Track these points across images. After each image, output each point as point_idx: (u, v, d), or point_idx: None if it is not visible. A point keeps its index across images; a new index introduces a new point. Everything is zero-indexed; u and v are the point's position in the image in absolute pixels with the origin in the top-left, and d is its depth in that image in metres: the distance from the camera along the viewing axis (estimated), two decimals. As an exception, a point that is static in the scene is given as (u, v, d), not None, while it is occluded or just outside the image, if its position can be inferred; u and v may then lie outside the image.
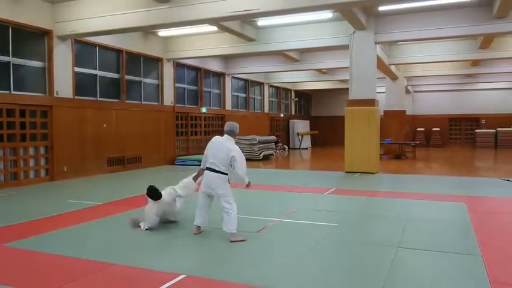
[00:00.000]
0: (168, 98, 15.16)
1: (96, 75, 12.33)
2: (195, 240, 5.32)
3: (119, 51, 13.10)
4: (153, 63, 14.70)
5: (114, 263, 4.34)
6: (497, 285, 3.73)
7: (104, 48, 12.54)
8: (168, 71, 15.18)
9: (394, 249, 4.80)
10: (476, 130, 25.69)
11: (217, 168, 5.26)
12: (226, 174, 5.31)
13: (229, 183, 5.37)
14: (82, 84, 11.79)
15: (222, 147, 5.26)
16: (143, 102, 14.14)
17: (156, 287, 3.72)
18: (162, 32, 13.71)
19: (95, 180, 11.03)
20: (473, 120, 26.27)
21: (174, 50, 14.83)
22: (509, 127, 24.78)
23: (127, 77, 13.43)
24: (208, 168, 5.33)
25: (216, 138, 5.48)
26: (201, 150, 17.10)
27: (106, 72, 12.69)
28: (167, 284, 3.78)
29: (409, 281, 3.92)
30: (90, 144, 11.81)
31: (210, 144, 5.45)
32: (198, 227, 5.51)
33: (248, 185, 5.31)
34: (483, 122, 25.86)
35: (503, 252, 4.77)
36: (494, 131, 25.01)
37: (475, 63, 18.11)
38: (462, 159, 17.74)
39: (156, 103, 14.75)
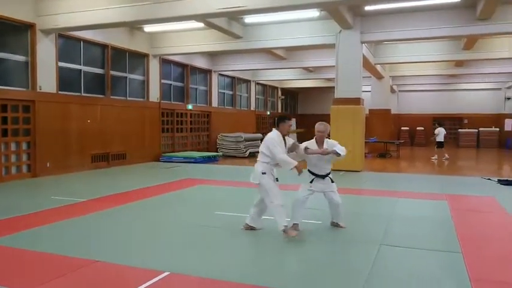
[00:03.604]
0: (154, 94, 15.04)
1: (81, 70, 12.17)
2: (180, 238, 5.30)
3: (104, 46, 12.94)
4: (139, 59, 14.56)
5: (98, 260, 4.30)
6: (477, 282, 3.80)
7: (89, 43, 12.38)
8: (154, 67, 15.06)
9: (377, 246, 4.86)
10: (459, 130, 26.11)
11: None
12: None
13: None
14: (66, 79, 11.62)
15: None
16: (128, 98, 14.01)
17: (139, 284, 3.69)
18: (148, 28, 13.59)
19: (79, 176, 10.90)
20: (457, 120, 26.70)
21: (160, 46, 14.71)
22: (491, 127, 25.27)
23: (112, 72, 13.28)
24: None
25: None
26: (186, 147, 17.06)
27: (91, 67, 12.53)
28: (151, 281, 3.76)
29: (391, 277, 3.97)
30: (74, 140, 11.66)
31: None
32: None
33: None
34: (466, 121, 26.32)
35: (483, 249, 4.86)
36: (477, 130, 25.47)
37: (459, 63, 18.38)
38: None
39: (141, 99, 14.63)
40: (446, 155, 16.83)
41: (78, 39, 12.00)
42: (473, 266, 4.20)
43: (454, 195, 8.43)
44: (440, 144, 17.02)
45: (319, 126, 5.52)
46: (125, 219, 6.29)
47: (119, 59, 13.62)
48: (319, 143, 5.48)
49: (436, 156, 16.95)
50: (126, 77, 13.97)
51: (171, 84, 16.39)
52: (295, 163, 5.05)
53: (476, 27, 11.09)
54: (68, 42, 11.81)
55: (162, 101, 15.47)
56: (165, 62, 15.86)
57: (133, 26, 13.25)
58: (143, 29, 13.71)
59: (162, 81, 15.62)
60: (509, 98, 24.56)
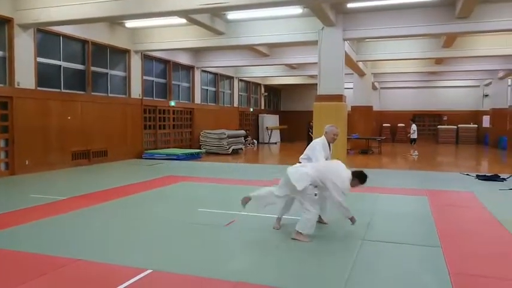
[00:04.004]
0: (136, 90, 14.88)
1: (60, 66, 11.95)
2: (163, 235, 5.27)
3: (84, 42, 12.72)
4: (120, 54, 14.37)
5: (80, 259, 4.24)
6: (456, 276, 3.88)
7: (68, 38, 12.16)
8: (136, 63, 14.89)
9: (360, 241, 4.92)
10: (439, 126, 26.59)
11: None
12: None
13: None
14: (45, 75, 11.40)
15: None
16: (110, 95, 13.83)
17: (122, 282, 3.66)
18: (130, 23, 13.41)
19: (59, 174, 10.73)
20: (436, 117, 27.16)
21: (142, 42, 14.55)
22: (470, 124, 25.80)
23: (93, 68, 13.08)
24: None
25: None
26: (169, 144, 16.94)
27: (70, 63, 12.31)
28: (134, 279, 3.73)
29: (373, 272, 4.03)
30: (53, 137, 11.46)
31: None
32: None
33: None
34: (445, 118, 26.80)
35: (462, 243, 4.97)
36: (456, 127, 25.98)
37: (439, 61, 18.67)
38: (425, 154, 18.30)
39: (123, 96, 14.45)
40: (416, 152, 17.30)
41: (58, 34, 11.77)
42: (452, 260, 4.29)
43: (434, 190, 8.58)
44: (413, 141, 17.54)
45: (336, 129, 5.73)
46: (106, 217, 6.22)
47: (99, 54, 13.42)
48: (331, 144, 5.71)
49: (416, 152, 17.32)
50: (107, 73, 13.78)
51: (153, 81, 16.23)
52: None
53: (456, 25, 11.28)
54: (47, 38, 11.57)
55: (144, 98, 15.32)
56: (147, 58, 15.69)
57: (115, 22, 13.07)
58: (124, 24, 13.53)
59: (144, 77, 15.46)
60: (487, 95, 25.08)
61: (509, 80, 20.05)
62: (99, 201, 7.16)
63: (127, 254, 4.47)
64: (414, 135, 17.85)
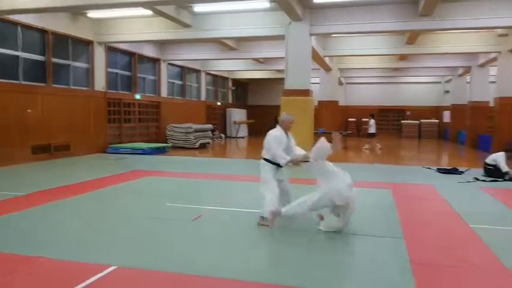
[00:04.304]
0: (100, 83, 14.47)
1: (18, 56, 11.46)
2: (128, 231, 5.17)
3: (43, 32, 12.24)
4: (83, 46, 13.93)
5: (42, 256, 4.11)
6: (417, 265, 4.01)
7: (27, 27, 11.65)
8: (100, 54, 14.46)
9: (326, 234, 4.99)
10: (402, 121, 27.35)
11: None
12: (266, 160, 5.40)
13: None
14: (2, 66, 10.89)
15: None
16: (72, 87, 13.38)
17: (85, 279, 3.57)
18: (93, 14, 13.01)
19: (18, 169, 10.31)
20: (400, 112, 27.91)
21: (106, 33, 14.15)
22: (431, 119, 26.67)
23: (54, 59, 12.60)
24: None
25: None
26: (134, 138, 16.62)
27: (30, 53, 11.82)
28: (97, 276, 3.65)
29: (338, 263, 4.11)
30: (12, 131, 10.99)
31: None
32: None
33: (293, 163, 5.35)
34: (408, 113, 27.59)
35: (423, 234, 5.13)
36: (418, 122, 26.81)
37: (403, 57, 19.14)
38: (389, 148, 18.79)
39: (86, 88, 14.02)
40: (367, 146, 17.89)
41: (15, 24, 11.27)
42: (414, 250, 4.42)
43: (397, 183, 8.83)
44: (372, 135, 17.97)
45: (292, 117, 5.69)
46: (69, 213, 6.04)
47: (60, 45, 12.94)
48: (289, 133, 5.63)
49: (367, 146, 17.83)
50: (69, 65, 13.33)
51: (117, 73, 15.83)
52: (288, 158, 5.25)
53: (419, 22, 11.58)
54: (4, 27, 11.05)
55: (108, 90, 14.92)
56: (111, 49, 15.27)
57: (76, 12, 12.63)
58: (86, 14, 13.10)
59: (109, 69, 15.05)
60: (447, 92, 25.99)
61: (468, 77, 20.80)
62: (60, 197, 6.93)
63: (90, 251, 4.36)
64: (372, 130, 18.25)
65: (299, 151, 5.55)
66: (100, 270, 3.75)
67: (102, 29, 14.12)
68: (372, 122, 18.39)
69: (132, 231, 5.17)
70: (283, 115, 5.73)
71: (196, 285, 3.57)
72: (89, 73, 14.17)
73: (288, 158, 5.27)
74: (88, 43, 14.03)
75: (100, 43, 14.35)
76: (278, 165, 5.37)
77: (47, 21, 12.10)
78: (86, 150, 13.66)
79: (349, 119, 27.58)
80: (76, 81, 13.59)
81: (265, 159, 5.40)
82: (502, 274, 3.87)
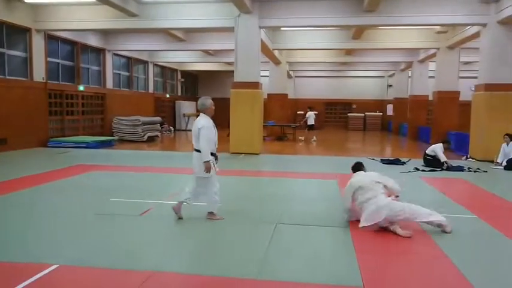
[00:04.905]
0: (39, 73, 13.69)
1: None
2: (70, 228, 4.95)
3: (-25, 17, 11.40)
4: (20, 33, 13.09)
5: (-29, 258, 3.84)
6: (361, 253, 4.16)
7: (-44, 12, 10.80)
8: (38, 43, 13.66)
9: (274, 225, 5.04)
10: (349, 114, 28.23)
11: (195, 147, 5.18)
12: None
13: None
14: None
15: (195, 124, 5.16)
16: (8, 77, 12.56)
17: (23, 280, 3.38)
18: (30, -1, 12.27)
19: None
20: (346, 105, 28.76)
21: (46, 20, 13.39)
22: (376, 112, 27.72)
23: (-13, 47, 11.79)
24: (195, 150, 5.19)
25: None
26: (77, 131, 15.95)
27: (-41, 40, 10.97)
28: (36, 276, 3.47)
29: (287, 252, 4.17)
30: None
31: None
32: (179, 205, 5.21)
33: (206, 166, 5.01)
34: (354, 106, 28.50)
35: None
36: (364, 115, 27.78)
37: (349, 52, 19.70)
38: (336, 140, 19.33)
39: (24, 78, 13.22)
40: (315, 137, 18.16)
41: None
42: (358, 239, 4.58)
43: (344, 174, 9.05)
44: (310, 127, 18.37)
45: (211, 100, 5.27)
46: (6, 211, 5.69)
47: (-5, 32, 12.12)
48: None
49: (302, 137, 18.21)
50: (4, 53, 12.49)
51: (59, 63, 15.05)
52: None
53: (363, 18, 11.95)
54: None
55: (48, 81, 14.16)
56: (51, 38, 14.48)
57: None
58: None
59: (49, 59, 14.27)
60: (390, 86, 27.11)
61: (410, 72, 21.79)
62: (-4, 193, 6.52)
63: (30, 250, 4.14)
64: (311, 122, 18.57)
65: (395, 186, 5.28)
66: (40, 270, 3.57)
67: (41, 16, 13.34)
68: (310, 113, 18.68)
69: (75, 228, 4.96)
70: (203, 100, 5.23)
71: (139, 281, 3.48)
72: (27, 62, 13.36)
73: (211, 157, 5.05)
74: (25, 30, 13.21)
75: (39, 31, 13.56)
76: (216, 157, 5.25)
77: (-21, 6, 11.27)
78: (25, 144, 12.92)
79: (298, 112, 28.01)
80: (12, 71, 12.77)
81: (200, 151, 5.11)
82: (439, 261, 4.09)
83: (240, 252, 4.21)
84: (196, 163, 5.17)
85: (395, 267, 3.93)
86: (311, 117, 18.52)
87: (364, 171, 5.63)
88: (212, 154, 5.14)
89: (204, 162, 5.03)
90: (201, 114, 5.22)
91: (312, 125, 18.51)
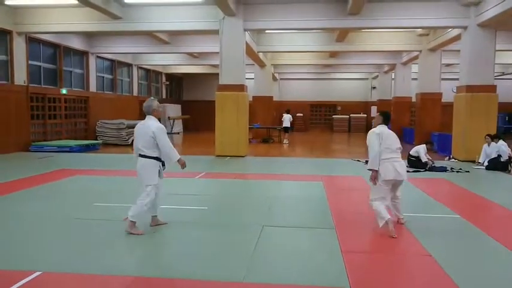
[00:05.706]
0: (20, 77, 13.45)
1: None
2: (53, 234, 4.87)
3: (-46, 20, 11.15)
4: (0, 36, 12.86)
5: (-50, 266, 3.74)
6: (347, 254, 4.18)
7: None
8: (19, 45, 13.43)
9: (261, 227, 5.04)
10: (334, 116, 28.42)
11: (143, 153, 4.84)
12: (154, 158, 4.86)
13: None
14: None
15: (144, 128, 4.85)
16: (-12, 81, 12.35)
17: (5, 287, 3.31)
18: (11, 0, 12.04)
19: None
20: (331, 107, 28.95)
21: (27, 23, 13.16)
22: (360, 113, 27.97)
23: (-34, 50, 11.54)
24: (139, 156, 4.88)
25: (139, 123, 4.99)
26: (60, 135, 15.73)
27: None
28: (19, 283, 3.40)
29: (273, 254, 4.18)
30: None
31: (135, 131, 4.98)
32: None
33: (181, 163, 4.93)
34: (339, 108, 28.70)
35: (353, 224, 5.35)
36: (348, 116, 28.00)
37: (333, 54, 19.85)
38: (321, 142, 19.44)
39: (4, 82, 12.98)
40: (286, 140, 18.33)
41: None
42: (344, 240, 4.61)
43: (329, 176, 9.15)
44: (286, 129, 18.47)
45: (156, 101, 5.07)
46: (-14, 217, 5.56)
47: (-26, 35, 11.88)
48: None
49: (286, 141, 18.25)
50: (-15, 57, 12.28)
51: (40, 66, 14.82)
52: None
53: (347, 21, 12.07)
54: None
55: (30, 85, 13.92)
56: (33, 40, 14.26)
57: (-8, -2, 11.64)
58: (4, 1, 12.10)
59: (30, 62, 14.04)
60: (374, 88, 27.39)
61: (393, 74, 22.06)
62: (-24, 199, 6.38)
63: (12, 257, 4.06)
64: (286, 124, 18.67)
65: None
66: (23, 277, 3.50)
67: (22, 18, 13.12)
68: (286, 116, 18.80)
69: (58, 234, 4.88)
70: (150, 102, 4.96)
71: (122, 286, 3.44)
72: (8, 66, 13.12)
73: (179, 156, 4.95)
74: (6, 33, 12.98)
75: (20, 33, 13.34)
76: (163, 163, 5.00)
77: (-43, 8, 11.04)
78: (6, 148, 12.67)
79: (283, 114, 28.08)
80: (-7, 75, 12.55)
81: (153, 157, 4.85)
82: (423, 260, 4.13)
83: (226, 255, 4.20)
84: (145, 171, 4.86)
85: (381, 267, 3.96)
86: (286, 119, 18.66)
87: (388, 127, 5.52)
88: (158, 159, 4.90)
89: (178, 160, 4.91)
90: (147, 116, 4.94)
91: (287, 127, 18.63)
